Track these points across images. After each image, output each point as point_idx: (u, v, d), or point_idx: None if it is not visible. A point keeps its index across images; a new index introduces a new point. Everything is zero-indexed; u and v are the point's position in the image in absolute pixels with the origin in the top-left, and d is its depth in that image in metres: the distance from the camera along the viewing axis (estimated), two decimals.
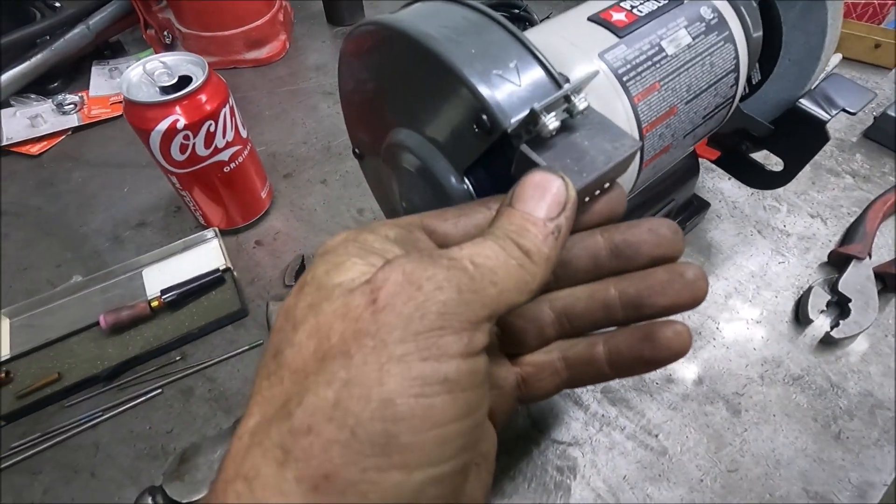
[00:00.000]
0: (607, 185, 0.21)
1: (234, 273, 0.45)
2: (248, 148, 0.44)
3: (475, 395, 0.15)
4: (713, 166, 0.45)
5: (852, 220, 0.47)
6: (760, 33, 0.37)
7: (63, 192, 0.53)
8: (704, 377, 0.38)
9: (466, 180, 0.26)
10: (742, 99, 0.41)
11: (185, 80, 0.38)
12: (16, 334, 0.41)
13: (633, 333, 0.21)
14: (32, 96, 0.62)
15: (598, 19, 0.30)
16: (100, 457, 0.35)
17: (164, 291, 0.41)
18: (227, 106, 0.40)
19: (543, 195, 0.18)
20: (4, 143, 0.56)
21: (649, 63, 0.29)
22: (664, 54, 0.30)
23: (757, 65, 0.39)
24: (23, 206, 0.52)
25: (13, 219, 0.51)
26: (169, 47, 0.67)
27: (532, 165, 0.20)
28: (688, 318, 0.41)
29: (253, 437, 0.13)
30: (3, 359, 0.39)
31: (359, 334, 0.14)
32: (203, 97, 0.38)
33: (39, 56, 0.60)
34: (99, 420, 0.37)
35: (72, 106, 0.60)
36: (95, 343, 0.40)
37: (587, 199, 0.21)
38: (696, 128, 0.33)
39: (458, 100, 0.22)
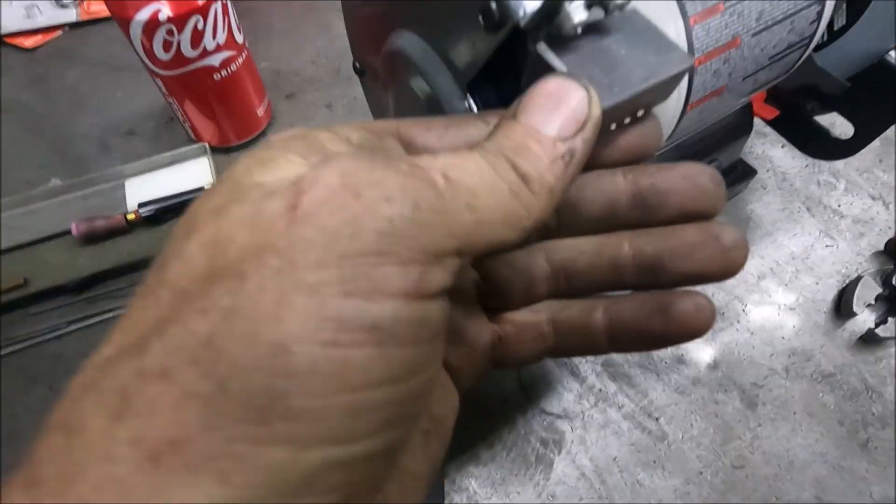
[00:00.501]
0: (641, 112, 0.17)
1: None
2: (244, 56, 0.40)
3: (418, 354, 0.11)
4: (766, 130, 0.39)
5: None
6: None
7: (55, 90, 0.50)
8: (721, 362, 0.34)
9: (471, 99, 0.21)
10: (817, 48, 0.35)
11: None
12: None
13: (643, 301, 0.17)
14: None
15: None
16: (61, 369, 0.33)
17: (141, 205, 0.38)
18: (220, 2, 0.35)
19: (558, 107, 0.14)
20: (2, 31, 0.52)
21: None
22: None
23: (844, 4, 0.32)
24: (12, 102, 0.49)
25: (11, 116, 0.48)
26: None
27: (549, 71, 0.15)
28: (710, 293, 0.37)
29: (96, 373, 0.10)
30: None
31: (263, 250, 0.10)
32: None
33: None
34: (64, 332, 0.35)
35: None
36: (68, 252, 0.38)
37: (613, 125, 0.16)
38: (759, 69, 0.27)
39: None
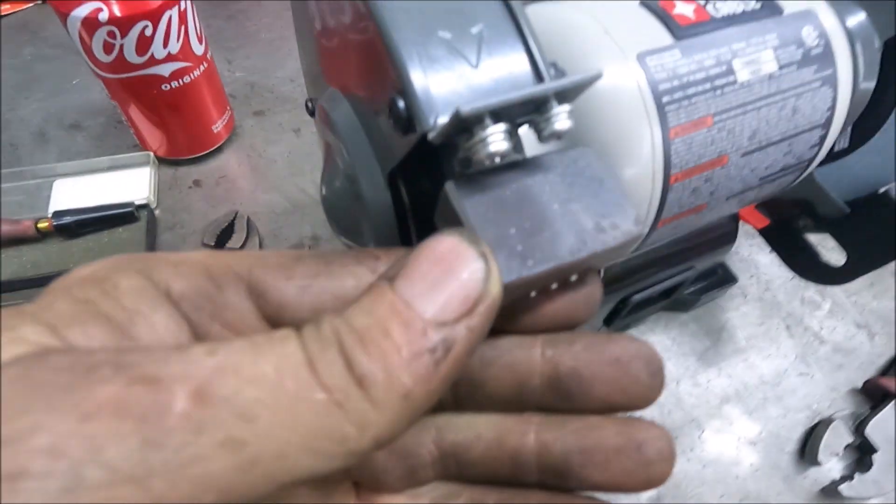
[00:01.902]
0: (575, 277, 0.13)
1: (156, 212, 0.38)
2: (203, 68, 0.36)
3: None
4: (755, 232, 0.36)
5: None
6: (871, 85, 0.28)
7: (6, 66, 0.46)
8: (664, 495, 0.30)
9: (392, 188, 0.18)
10: (819, 165, 0.32)
11: None
12: None
13: (550, 498, 0.13)
14: None
15: (655, 6, 0.21)
16: None
17: (56, 214, 0.34)
18: (177, 8, 0.32)
19: (444, 279, 0.10)
20: None
21: (707, 86, 0.20)
22: (732, 79, 0.21)
23: (850, 128, 0.30)
24: None
25: None
26: None
27: (453, 219, 0.12)
28: (666, 414, 0.33)
29: None
30: None
31: None
32: None
33: None
34: None
35: None
36: None
37: (534, 293, 0.13)
38: (747, 189, 0.24)
39: (380, 64, 0.14)
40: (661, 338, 0.36)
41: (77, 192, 0.38)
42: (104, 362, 0.08)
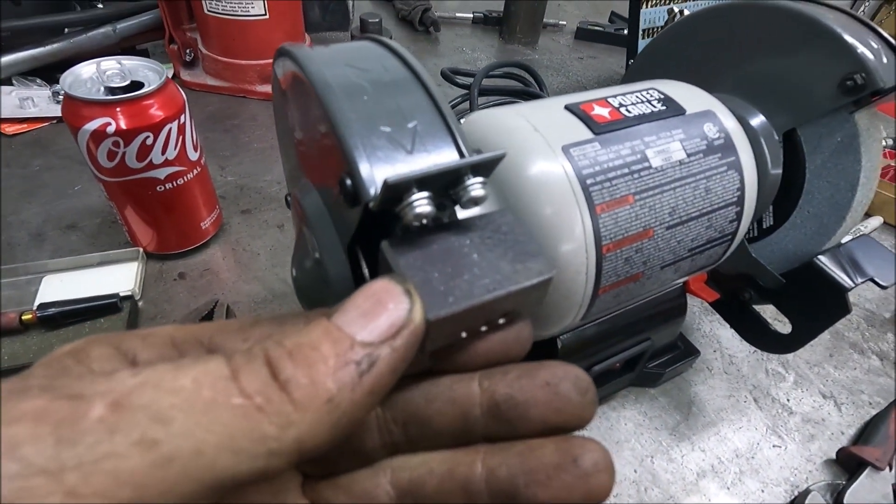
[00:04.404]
0: (503, 320, 0.15)
1: (139, 303, 0.40)
2: (196, 171, 0.40)
3: None
4: (714, 308, 0.38)
5: (874, 412, 0.38)
6: (780, 171, 0.32)
7: (15, 175, 0.50)
8: None
9: (352, 259, 0.20)
10: (752, 241, 0.35)
11: (136, 86, 0.35)
12: None
13: None
14: (38, 81, 0.61)
15: (577, 110, 0.25)
16: None
17: (41, 306, 0.36)
18: (177, 122, 0.36)
19: (373, 310, 0.12)
20: None
21: (626, 171, 0.24)
22: (646, 165, 0.24)
23: (771, 207, 0.33)
24: None
25: None
26: (188, 65, 0.67)
27: (388, 270, 0.14)
28: (643, 492, 0.32)
29: None
30: None
31: None
32: (151, 106, 0.35)
33: (56, 45, 0.60)
34: None
35: None
36: None
37: (464, 333, 0.15)
38: (678, 260, 0.27)
39: (333, 154, 0.17)
40: (632, 412, 0.36)
41: (65, 286, 0.40)
42: (36, 385, 0.10)
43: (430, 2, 0.87)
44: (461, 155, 0.16)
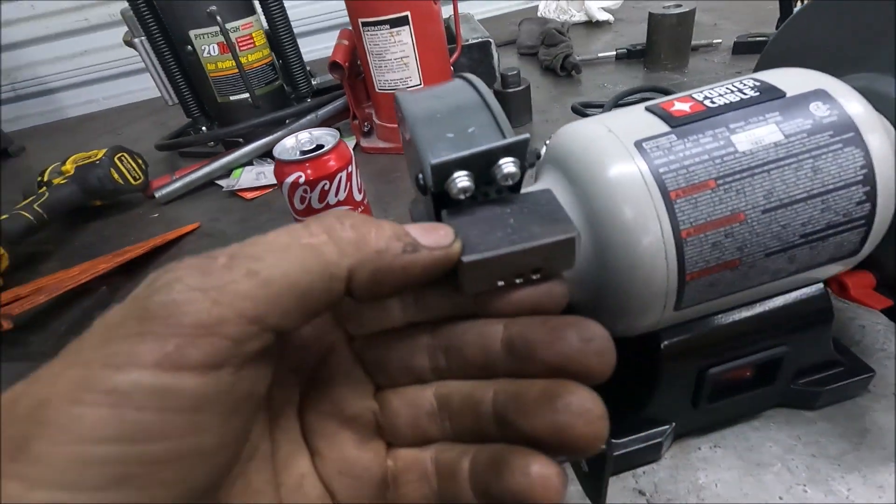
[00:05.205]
0: (537, 275, 0.18)
1: None
2: (360, 210, 0.50)
3: (162, 421, 0.12)
4: None
5: None
6: None
7: (249, 227, 0.68)
8: None
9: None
10: None
11: (320, 148, 0.47)
12: None
13: (488, 454, 0.16)
14: (269, 160, 0.83)
15: (656, 108, 0.27)
16: None
17: None
18: (345, 172, 0.47)
19: (428, 229, 0.17)
20: (235, 188, 0.76)
21: (705, 157, 0.24)
22: (731, 150, 0.24)
23: None
24: (218, 231, 0.68)
25: (209, 239, 0.67)
26: (366, 134, 0.83)
27: None
28: None
29: None
30: None
31: (82, 339, 0.13)
32: (328, 161, 0.46)
33: (279, 133, 0.81)
34: None
35: None
36: None
37: (501, 283, 0.18)
38: (789, 247, 0.25)
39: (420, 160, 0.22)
40: (780, 434, 0.32)
41: None
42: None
43: (573, 48, 0.92)
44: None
